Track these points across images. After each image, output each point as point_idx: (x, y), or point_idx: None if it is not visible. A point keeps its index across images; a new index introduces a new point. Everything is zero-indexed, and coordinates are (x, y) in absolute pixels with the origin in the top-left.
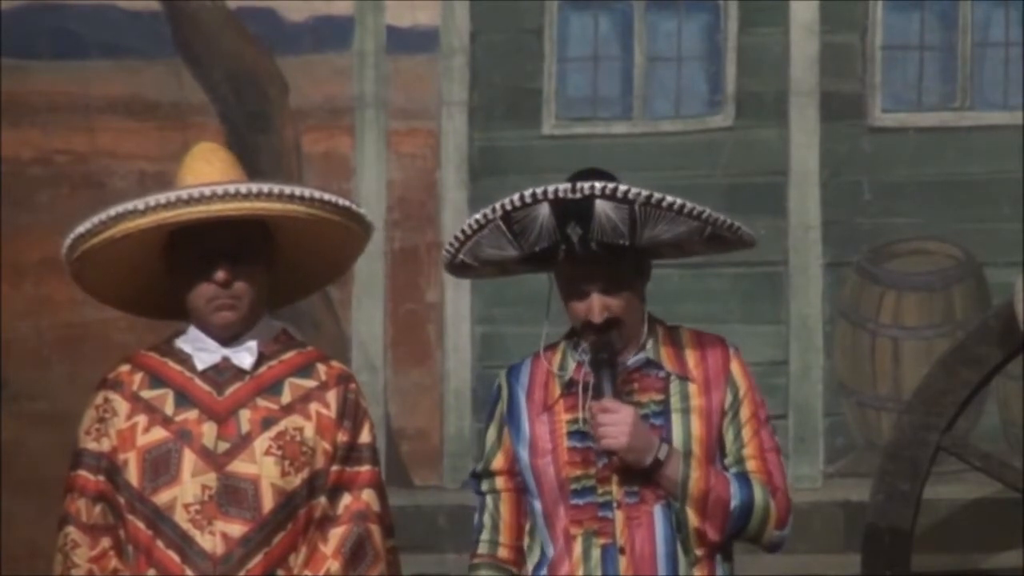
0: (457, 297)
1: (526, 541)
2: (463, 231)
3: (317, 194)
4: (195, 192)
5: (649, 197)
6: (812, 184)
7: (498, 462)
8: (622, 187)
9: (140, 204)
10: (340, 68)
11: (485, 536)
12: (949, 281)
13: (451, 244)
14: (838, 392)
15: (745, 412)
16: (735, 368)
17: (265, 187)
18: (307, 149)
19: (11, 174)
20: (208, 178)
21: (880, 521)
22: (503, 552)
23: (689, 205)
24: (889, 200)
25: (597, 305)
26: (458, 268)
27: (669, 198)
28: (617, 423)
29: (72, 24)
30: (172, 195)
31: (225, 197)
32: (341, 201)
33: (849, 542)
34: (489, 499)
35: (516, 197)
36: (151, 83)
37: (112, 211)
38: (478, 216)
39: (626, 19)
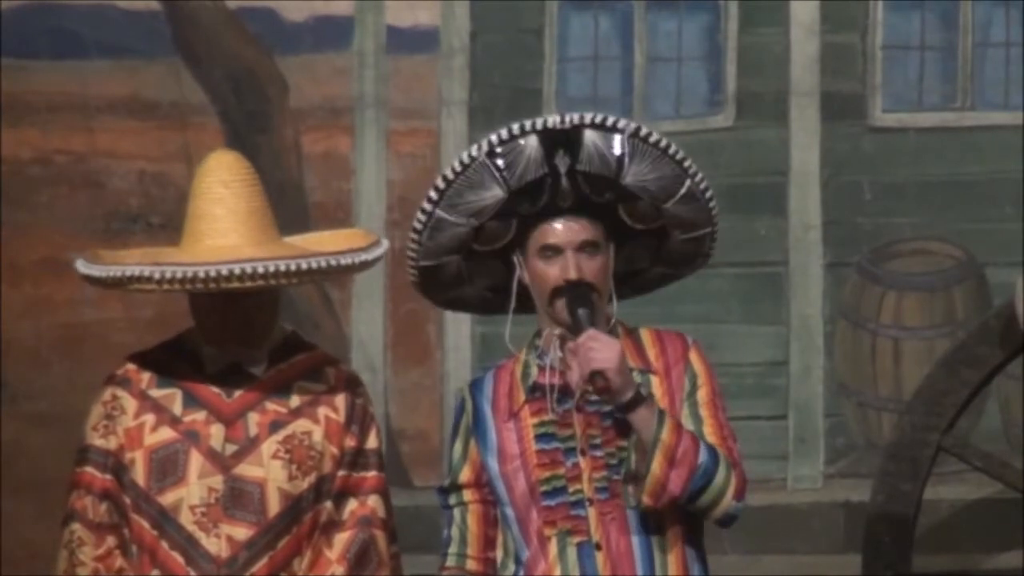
0: None
1: (499, 554)
2: (450, 170)
3: (334, 261)
4: (212, 271)
5: (637, 129)
6: (812, 184)
7: (465, 475)
8: (611, 117)
9: (156, 273)
10: (340, 68)
11: (453, 549)
12: (950, 281)
13: (434, 189)
14: (838, 392)
15: (703, 395)
16: (693, 356)
17: (282, 265)
18: (307, 149)
19: (11, 174)
20: (225, 206)
21: (881, 522)
22: (472, 564)
23: (674, 147)
24: (890, 200)
25: (572, 262)
26: (424, 272)
27: (656, 134)
28: (606, 347)
29: (72, 24)
30: (189, 271)
31: (243, 277)
32: (359, 259)
33: (849, 543)
34: (456, 512)
35: (504, 130)
36: (151, 83)
37: (128, 271)
38: (463, 155)
39: (626, 19)
